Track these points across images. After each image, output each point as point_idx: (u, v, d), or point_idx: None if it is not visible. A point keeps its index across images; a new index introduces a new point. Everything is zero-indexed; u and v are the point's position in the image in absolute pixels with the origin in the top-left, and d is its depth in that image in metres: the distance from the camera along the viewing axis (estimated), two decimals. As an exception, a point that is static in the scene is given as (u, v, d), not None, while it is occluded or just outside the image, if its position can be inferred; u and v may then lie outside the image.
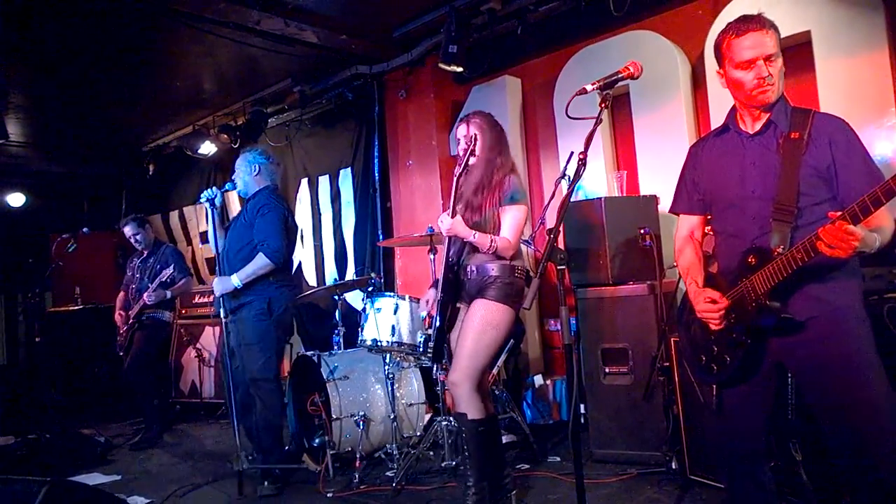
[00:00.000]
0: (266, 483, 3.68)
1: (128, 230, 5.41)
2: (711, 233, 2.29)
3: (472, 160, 2.98)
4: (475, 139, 2.96)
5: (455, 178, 2.92)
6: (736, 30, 1.99)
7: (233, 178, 4.08)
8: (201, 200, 3.93)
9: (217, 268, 3.93)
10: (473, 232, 2.86)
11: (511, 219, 2.93)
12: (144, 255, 5.46)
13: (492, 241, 2.86)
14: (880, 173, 1.93)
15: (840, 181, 1.94)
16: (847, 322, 1.93)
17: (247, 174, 4.03)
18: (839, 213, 1.70)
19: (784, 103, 2.04)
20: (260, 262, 3.74)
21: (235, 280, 3.73)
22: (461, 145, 3.06)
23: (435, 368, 3.94)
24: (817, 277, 1.93)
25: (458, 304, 3.09)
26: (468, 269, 2.99)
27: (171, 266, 5.18)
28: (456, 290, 3.05)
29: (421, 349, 3.50)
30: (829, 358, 1.92)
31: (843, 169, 1.93)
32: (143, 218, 5.55)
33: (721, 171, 2.15)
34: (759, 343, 2.00)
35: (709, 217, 2.28)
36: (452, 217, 2.85)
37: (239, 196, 4.24)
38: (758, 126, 2.06)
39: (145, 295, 5.13)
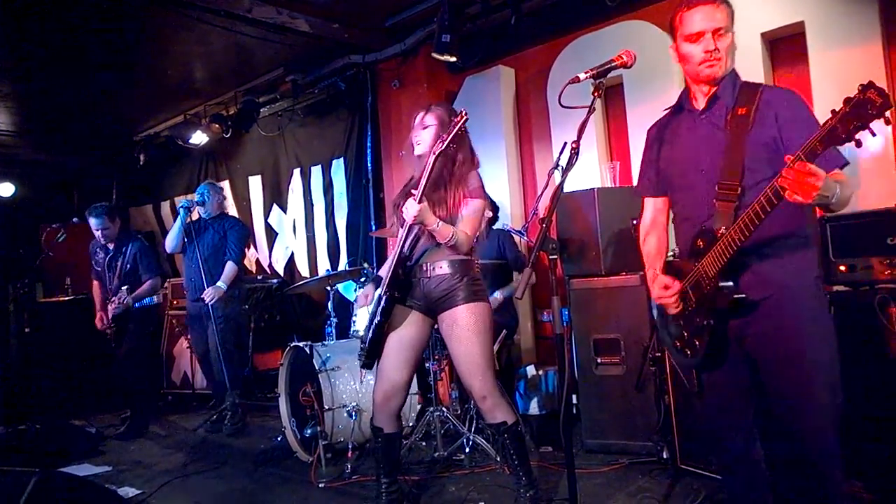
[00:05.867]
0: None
1: (94, 223, 5.01)
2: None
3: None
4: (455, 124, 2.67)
5: (434, 156, 2.61)
6: (687, 3, 1.98)
7: (203, 200, 5.18)
8: (185, 205, 5.06)
9: (202, 273, 4.94)
10: (438, 220, 2.67)
11: (472, 213, 2.79)
12: (111, 250, 5.14)
13: (453, 233, 2.68)
14: None
15: (785, 148, 1.85)
16: (799, 298, 1.91)
17: (217, 201, 5.33)
18: (796, 154, 1.59)
19: (733, 78, 2.01)
20: (230, 268, 5.10)
21: (222, 285, 4.99)
22: (426, 131, 2.84)
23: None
24: (769, 255, 1.91)
25: (405, 305, 2.86)
26: (424, 268, 2.81)
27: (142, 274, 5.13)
28: (404, 290, 2.81)
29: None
30: (779, 333, 1.90)
31: (788, 136, 1.86)
32: (112, 209, 5.20)
33: (674, 151, 2.13)
34: (722, 325, 1.98)
35: None
36: (419, 203, 2.60)
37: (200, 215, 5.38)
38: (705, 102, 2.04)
39: (110, 307, 5.02)
